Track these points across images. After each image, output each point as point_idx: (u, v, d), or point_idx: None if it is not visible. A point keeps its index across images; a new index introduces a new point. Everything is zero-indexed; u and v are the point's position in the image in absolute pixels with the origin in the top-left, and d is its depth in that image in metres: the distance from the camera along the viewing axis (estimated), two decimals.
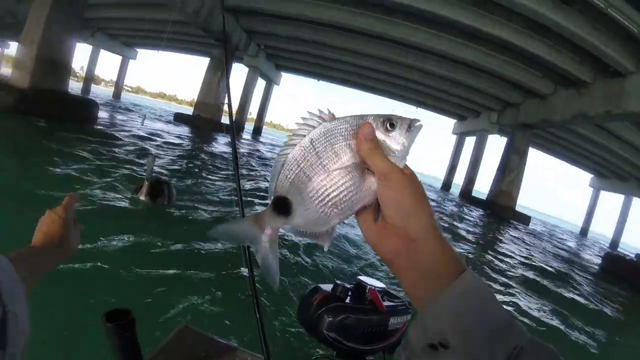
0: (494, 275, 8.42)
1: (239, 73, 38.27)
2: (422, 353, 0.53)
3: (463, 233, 12.83)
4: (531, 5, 16.25)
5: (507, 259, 10.65)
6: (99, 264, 4.30)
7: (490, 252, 11.02)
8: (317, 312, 1.09)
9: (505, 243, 13.79)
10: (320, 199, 0.62)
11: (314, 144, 0.62)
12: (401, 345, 0.58)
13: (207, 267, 5.09)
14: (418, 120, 0.63)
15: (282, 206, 0.63)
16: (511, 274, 9.10)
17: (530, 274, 9.65)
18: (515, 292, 7.71)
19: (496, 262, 9.84)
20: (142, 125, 21.33)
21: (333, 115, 0.64)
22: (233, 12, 25.21)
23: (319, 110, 0.64)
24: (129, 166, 9.60)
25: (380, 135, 0.62)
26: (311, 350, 3.66)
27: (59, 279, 3.61)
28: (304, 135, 0.63)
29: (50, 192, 6.18)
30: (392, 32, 21.07)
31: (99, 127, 16.73)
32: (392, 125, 0.62)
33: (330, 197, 0.62)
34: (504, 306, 0.55)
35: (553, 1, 16.18)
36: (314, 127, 0.63)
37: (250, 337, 3.43)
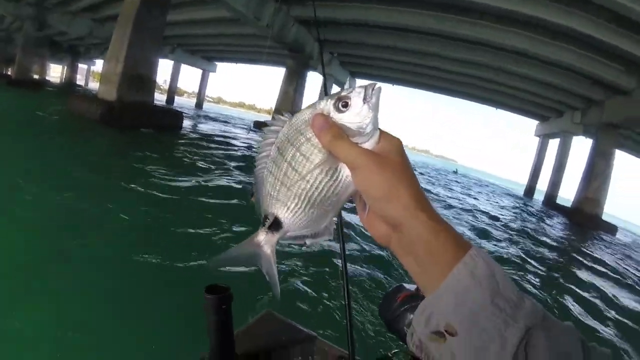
0: (572, 292, 7.67)
1: (314, 81, 38.76)
2: (429, 341, 0.51)
3: (538, 244, 12.08)
4: None
5: (588, 274, 9.78)
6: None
7: (569, 265, 10.31)
8: (400, 309, 1.06)
9: (587, 255, 12.73)
10: (305, 204, 0.62)
11: (281, 152, 0.62)
12: (408, 332, 0.56)
13: (300, 257, 5.44)
14: (373, 84, 0.60)
15: (271, 223, 0.64)
16: (596, 293, 8.20)
17: (617, 291, 8.82)
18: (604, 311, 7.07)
19: (576, 278, 9.07)
20: (248, 134, 22.71)
21: (290, 115, 0.63)
22: (306, 23, 25.65)
23: (275, 115, 0.64)
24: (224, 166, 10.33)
25: (337, 118, 0.59)
26: (388, 344, 3.69)
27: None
28: (272, 143, 0.63)
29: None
30: (467, 32, 20.48)
31: (183, 133, 18.14)
32: (346, 104, 0.59)
33: (314, 198, 0.61)
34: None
35: None
36: (277, 132, 0.63)
37: (330, 327, 3.69)
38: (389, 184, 0.55)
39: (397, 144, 0.59)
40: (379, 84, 0.59)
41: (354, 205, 0.65)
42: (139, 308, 3.60)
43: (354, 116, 0.58)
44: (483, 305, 0.48)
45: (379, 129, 0.59)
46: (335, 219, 0.67)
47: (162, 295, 3.88)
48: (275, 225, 0.64)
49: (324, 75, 1.99)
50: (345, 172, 0.60)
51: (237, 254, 0.68)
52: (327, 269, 5.32)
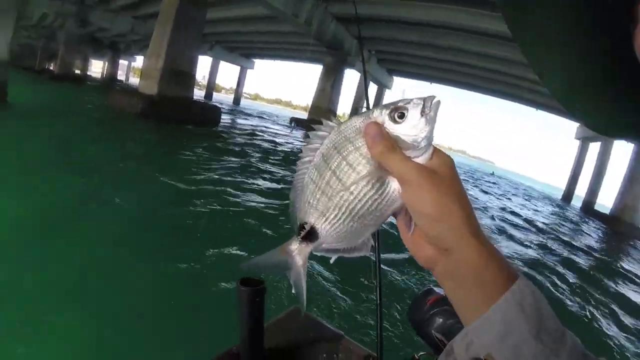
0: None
1: (350, 78, 38.62)
2: None
3: (573, 251, 11.64)
4: None
5: (622, 284, 9.28)
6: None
7: (603, 274, 9.60)
8: (429, 312, 1.06)
9: (622, 266, 11.89)
10: (345, 216, 0.58)
11: (326, 159, 0.58)
12: (445, 351, 0.53)
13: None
14: (432, 97, 0.56)
15: (307, 233, 0.61)
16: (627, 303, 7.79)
17: None
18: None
19: (608, 288, 8.62)
20: (291, 132, 22.99)
21: (339, 120, 0.60)
22: (344, 21, 25.60)
23: (323, 120, 0.62)
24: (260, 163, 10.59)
25: (391, 129, 0.55)
26: (413, 346, 3.62)
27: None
28: (317, 149, 0.60)
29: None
30: (500, 28, 19.44)
31: (221, 129, 18.52)
32: (402, 115, 0.55)
33: (355, 211, 0.57)
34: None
35: None
36: (324, 138, 0.60)
37: (357, 327, 3.76)
38: (441, 203, 0.51)
39: (449, 162, 0.55)
40: (437, 98, 0.55)
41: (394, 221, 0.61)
42: (169, 300, 3.67)
43: (410, 128, 0.55)
44: (527, 339, 0.45)
45: (433, 144, 0.56)
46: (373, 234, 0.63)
47: (192, 288, 3.98)
48: (311, 235, 0.61)
49: (364, 73, 1.88)
50: (393, 186, 0.56)
51: (268, 260, 0.65)
52: (359, 268, 5.21)
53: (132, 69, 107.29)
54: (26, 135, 8.98)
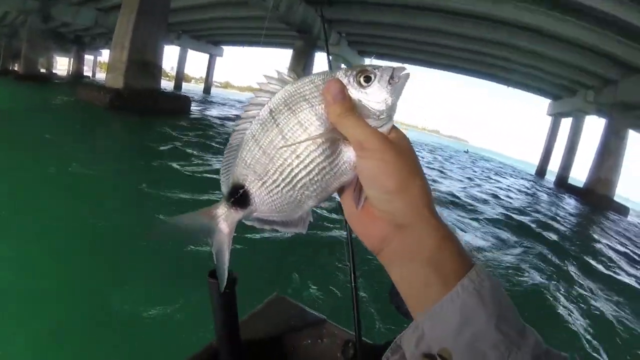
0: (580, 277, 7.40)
1: (321, 62, 38.67)
2: None
3: (548, 224, 11.83)
4: None
5: (599, 257, 9.44)
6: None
7: (578, 248, 9.78)
8: None
9: (597, 237, 12.38)
10: (286, 182, 0.53)
11: (273, 114, 0.53)
12: (390, 349, 0.49)
13: (306, 238, 5.34)
14: (403, 69, 0.52)
15: (238, 197, 0.55)
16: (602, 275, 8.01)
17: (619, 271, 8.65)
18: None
19: (584, 260, 8.69)
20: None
21: (296, 76, 0.54)
22: (312, 3, 25.30)
23: (277, 71, 0.55)
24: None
25: (354, 93, 0.51)
26: (398, 329, 3.58)
27: None
28: (263, 105, 0.54)
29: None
30: (478, 7, 19.93)
31: (191, 117, 18.63)
32: (368, 79, 0.51)
33: (299, 178, 0.52)
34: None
35: None
36: (274, 94, 0.54)
37: (339, 310, 3.53)
38: (402, 175, 0.48)
39: (406, 138, 0.52)
40: (408, 70, 0.52)
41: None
42: (143, 295, 3.58)
43: (375, 95, 0.51)
44: (487, 330, 0.42)
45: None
46: (317, 209, 0.58)
47: (164, 282, 3.89)
48: (243, 200, 0.55)
49: (327, 53, 1.72)
50: (346, 155, 0.51)
51: (187, 223, 0.57)
52: (337, 252, 5.17)
53: (99, 64, 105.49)
54: None
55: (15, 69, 50.78)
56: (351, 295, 1.32)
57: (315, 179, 0.51)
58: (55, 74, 62.19)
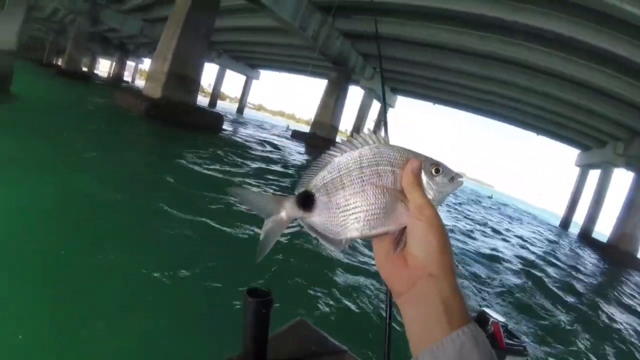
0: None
1: (355, 95, 38.73)
2: None
3: (568, 277, 11.71)
4: None
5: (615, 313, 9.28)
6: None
7: (596, 302, 9.65)
8: None
9: (617, 295, 11.87)
10: (345, 209, 0.64)
11: (361, 158, 0.65)
12: None
13: (343, 269, 5.52)
14: (461, 176, 0.66)
15: (306, 200, 0.67)
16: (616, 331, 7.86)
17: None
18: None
19: (602, 316, 8.61)
20: (285, 131, 23.05)
21: (385, 141, 0.67)
22: (350, 37, 25.88)
23: (373, 134, 0.67)
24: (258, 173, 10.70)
25: (424, 175, 0.65)
26: None
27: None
28: (356, 147, 0.67)
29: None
30: (511, 53, 20.11)
31: (222, 136, 18.63)
32: (438, 171, 0.65)
33: (356, 210, 0.64)
34: None
35: None
36: (357, 147, 0.67)
37: (363, 344, 3.63)
38: (444, 239, 0.60)
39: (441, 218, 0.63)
40: (463, 179, 0.67)
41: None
42: (166, 305, 3.58)
43: (436, 184, 0.65)
44: None
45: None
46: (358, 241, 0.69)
47: (190, 295, 3.87)
48: (307, 204, 0.67)
49: (384, 99, 1.89)
50: (399, 212, 0.63)
51: (258, 200, 0.69)
52: (370, 284, 5.31)
53: (139, 71, 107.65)
54: (27, 129, 8.99)
55: (59, 63, 52.19)
56: (384, 330, 1.27)
57: (368, 217, 0.63)
58: (97, 74, 63.74)
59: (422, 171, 0.65)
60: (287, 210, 0.67)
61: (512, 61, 21.16)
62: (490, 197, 60.53)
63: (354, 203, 0.64)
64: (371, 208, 0.63)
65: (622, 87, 19.66)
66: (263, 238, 0.68)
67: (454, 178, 0.65)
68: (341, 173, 0.65)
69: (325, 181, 0.66)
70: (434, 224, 0.60)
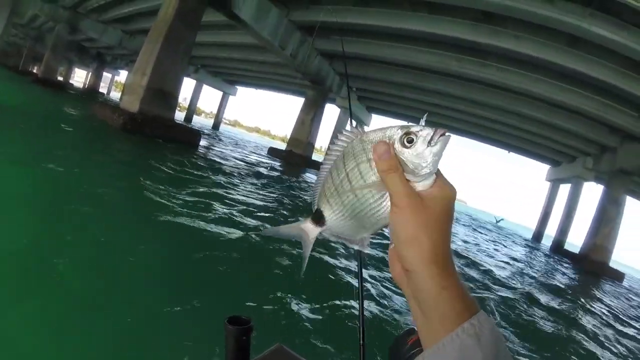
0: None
1: (331, 113, 38.98)
2: None
3: (542, 288, 11.74)
4: (634, 45, 15.16)
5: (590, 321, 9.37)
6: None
7: (571, 311, 9.80)
8: (410, 352, 1.04)
9: (590, 301, 12.21)
10: (348, 214, 0.66)
11: (344, 161, 0.65)
12: None
13: (315, 289, 5.52)
14: (443, 131, 0.59)
15: (318, 217, 0.71)
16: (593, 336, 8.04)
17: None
18: None
19: (577, 324, 8.78)
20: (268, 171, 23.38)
21: (362, 130, 0.65)
22: (328, 56, 26.28)
23: (351, 125, 0.70)
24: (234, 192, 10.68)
25: (399, 151, 0.60)
26: None
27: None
28: (339, 153, 0.67)
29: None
30: (485, 75, 20.73)
31: (199, 152, 18.45)
32: (410, 141, 0.59)
33: (356, 212, 0.65)
34: None
35: None
36: (347, 141, 0.66)
37: None
38: (414, 231, 0.56)
39: (447, 195, 0.59)
40: (449, 133, 0.59)
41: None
42: (151, 331, 3.50)
43: (414, 156, 0.59)
44: None
45: (437, 173, 0.60)
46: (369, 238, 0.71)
47: (173, 324, 3.74)
48: (320, 220, 0.71)
49: (350, 112, 1.92)
50: (387, 204, 0.62)
51: (285, 232, 0.76)
52: (345, 306, 5.30)
53: (115, 83, 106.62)
54: (6, 138, 8.98)
55: (35, 71, 51.52)
56: (359, 354, 1.33)
57: (368, 215, 0.64)
58: (72, 84, 62.67)
59: (395, 147, 0.60)
60: (308, 230, 0.73)
61: (487, 82, 21.83)
62: (498, 221, 60.43)
63: (351, 207, 0.65)
64: (365, 207, 0.64)
65: (592, 106, 20.42)
66: (303, 256, 0.76)
67: (432, 138, 0.58)
68: (334, 182, 0.67)
69: (327, 194, 0.69)
70: (410, 212, 0.56)
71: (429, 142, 0.58)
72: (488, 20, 17.24)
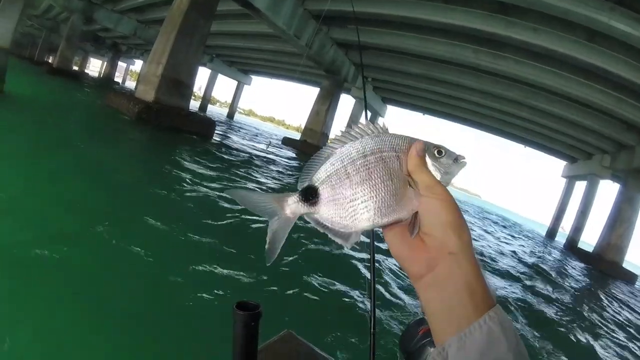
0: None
1: (346, 103, 38.79)
2: None
3: (553, 287, 11.60)
4: None
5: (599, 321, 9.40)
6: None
7: (581, 311, 9.79)
8: (421, 342, 1.04)
9: (601, 303, 12.20)
10: (353, 198, 0.62)
11: (364, 146, 0.64)
12: None
13: (328, 277, 5.52)
14: (464, 157, 0.66)
15: (309, 195, 0.65)
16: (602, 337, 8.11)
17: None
18: None
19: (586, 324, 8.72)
20: (267, 149, 22.80)
21: (387, 129, 0.67)
22: (343, 46, 26.04)
23: (371, 123, 0.67)
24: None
25: (428, 158, 0.65)
26: None
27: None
28: (356, 137, 0.66)
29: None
30: (501, 67, 20.34)
31: (214, 142, 18.56)
32: (440, 153, 0.65)
33: (365, 198, 0.62)
34: None
35: None
36: (360, 135, 0.66)
37: (349, 353, 3.73)
38: (460, 217, 0.59)
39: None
40: (466, 160, 0.67)
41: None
42: (157, 318, 3.51)
43: (442, 165, 0.65)
44: (507, 356, 0.49)
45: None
46: (364, 237, 0.69)
47: (180, 308, 3.77)
48: (310, 198, 0.65)
49: (365, 103, 2.02)
50: (408, 197, 0.62)
51: (260, 201, 0.66)
52: (355, 295, 5.30)
53: (130, 72, 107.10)
54: (20, 130, 9.01)
55: (50, 61, 51.82)
56: (369, 342, 1.33)
57: (379, 205, 0.62)
58: (87, 74, 63.22)
59: (426, 154, 0.65)
60: (291, 207, 0.65)
61: (503, 75, 21.47)
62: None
63: (362, 192, 0.62)
64: (380, 195, 0.62)
65: (610, 102, 19.95)
66: (270, 240, 0.66)
67: (457, 159, 0.66)
68: (344, 163, 0.64)
69: (328, 173, 0.64)
70: (447, 200, 0.60)
71: (454, 160, 0.67)
72: (505, 11, 16.91)
